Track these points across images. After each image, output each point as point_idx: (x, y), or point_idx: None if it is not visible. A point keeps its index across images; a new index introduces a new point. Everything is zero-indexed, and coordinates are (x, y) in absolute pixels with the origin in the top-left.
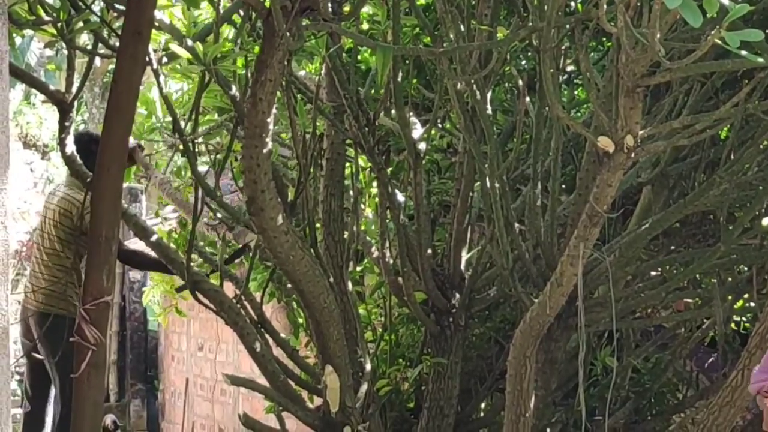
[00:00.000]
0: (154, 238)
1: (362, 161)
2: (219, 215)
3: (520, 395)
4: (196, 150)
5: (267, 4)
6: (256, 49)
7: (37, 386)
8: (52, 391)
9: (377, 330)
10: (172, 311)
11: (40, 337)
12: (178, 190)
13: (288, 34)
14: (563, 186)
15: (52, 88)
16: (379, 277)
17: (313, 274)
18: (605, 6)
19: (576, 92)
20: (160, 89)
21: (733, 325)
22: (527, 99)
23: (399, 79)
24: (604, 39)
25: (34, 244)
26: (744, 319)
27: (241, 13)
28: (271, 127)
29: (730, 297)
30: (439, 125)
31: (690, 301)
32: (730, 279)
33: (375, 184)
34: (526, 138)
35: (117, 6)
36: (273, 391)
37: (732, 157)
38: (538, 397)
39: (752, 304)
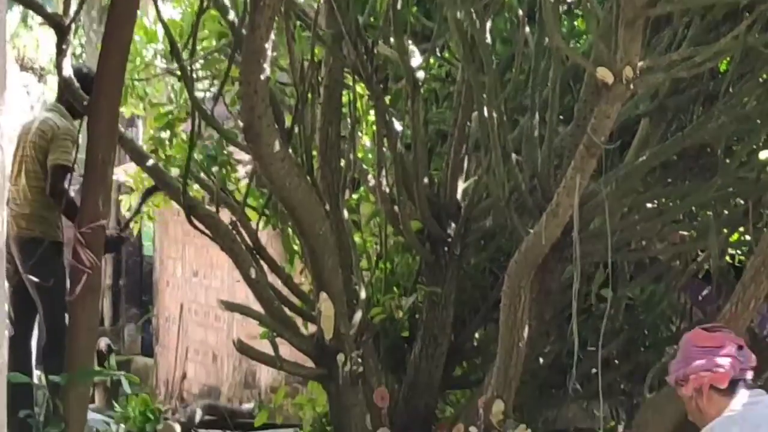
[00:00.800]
0: (149, 162)
1: (360, 89)
2: None
3: (514, 325)
4: (194, 76)
5: None
6: None
7: (20, 311)
8: (36, 316)
9: (372, 258)
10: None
11: (22, 262)
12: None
13: None
14: (561, 117)
15: (49, 10)
16: (375, 206)
17: (309, 201)
18: None
19: (576, 23)
20: (159, 14)
21: (728, 257)
22: (527, 29)
23: (398, 7)
24: None
25: (14, 169)
26: (739, 252)
27: None
28: (269, 53)
29: (725, 230)
30: (438, 54)
31: (685, 233)
32: (726, 212)
33: (372, 112)
34: (524, 68)
35: None
36: (267, 317)
37: (731, 90)
38: (531, 327)
39: (747, 237)
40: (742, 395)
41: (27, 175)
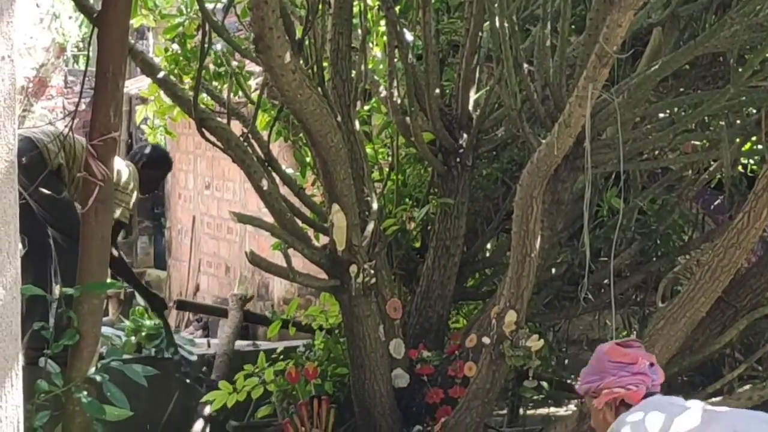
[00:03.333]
0: (160, 75)
1: (370, 0)
2: None
3: (526, 236)
4: None
5: None
6: None
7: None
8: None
9: (384, 169)
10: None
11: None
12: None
13: None
14: (573, 26)
15: None
16: (387, 117)
17: (320, 113)
18: None
19: None
20: None
21: (740, 167)
22: None
23: None
24: None
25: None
26: (751, 161)
27: None
28: None
29: (738, 139)
30: None
31: (698, 143)
32: (738, 121)
33: (383, 22)
34: None
35: None
36: (279, 229)
37: None
38: (543, 237)
39: (760, 147)
40: (649, 401)
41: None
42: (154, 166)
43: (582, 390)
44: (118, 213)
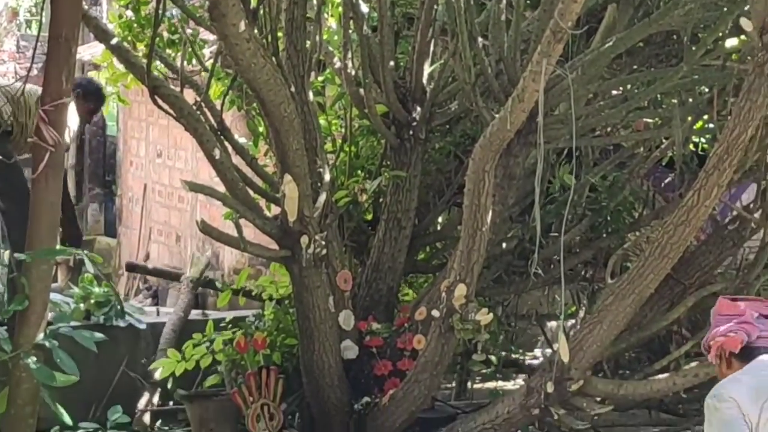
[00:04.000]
0: (113, 41)
1: None
2: None
3: (478, 210)
4: None
5: None
6: None
7: None
8: None
9: (337, 141)
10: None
11: None
12: None
13: None
14: (528, 1)
15: None
16: (341, 88)
17: (274, 82)
18: None
19: None
20: None
21: (691, 145)
22: None
23: None
24: None
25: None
26: (703, 140)
27: None
28: None
29: (690, 117)
30: None
31: (650, 120)
32: (690, 99)
33: None
34: None
35: None
36: (231, 198)
37: None
38: (495, 212)
39: (711, 125)
40: (759, 360)
41: None
42: (88, 99)
43: (704, 350)
44: None
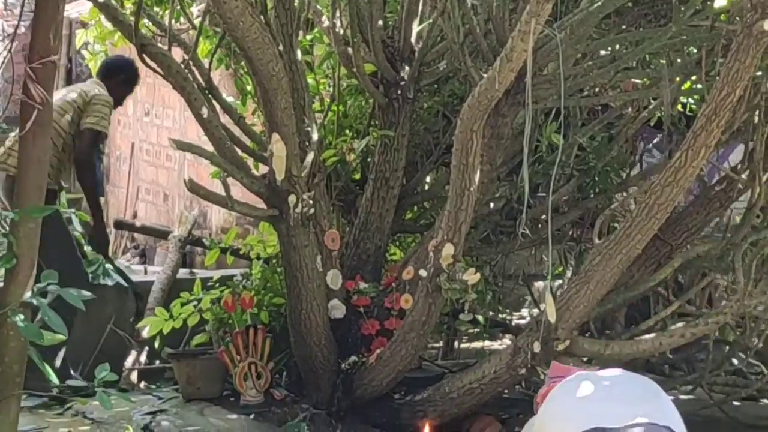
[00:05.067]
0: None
1: None
2: None
3: (466, 169)
4: None
5: None
6: None
7: None
8: None
9: (325, 100)
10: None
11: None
12: None
13: None
14: None
15: None
16: (329, 47)
17: (262, 41)
18: None
19: None
20: None
21: (679, 106)
22: None
23: None
24: None
25: None
26: (691, 100)
27: None
28: None
29: (678, 78)
30: None
31: (638, 81)
32: (679, 60)
33: None
34: None
35: None
36: (219, 157)
37: None
38: (482, 171)
39: (700, 86)
40: None
41: None
42: (130, 84)
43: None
44: (92, 121)
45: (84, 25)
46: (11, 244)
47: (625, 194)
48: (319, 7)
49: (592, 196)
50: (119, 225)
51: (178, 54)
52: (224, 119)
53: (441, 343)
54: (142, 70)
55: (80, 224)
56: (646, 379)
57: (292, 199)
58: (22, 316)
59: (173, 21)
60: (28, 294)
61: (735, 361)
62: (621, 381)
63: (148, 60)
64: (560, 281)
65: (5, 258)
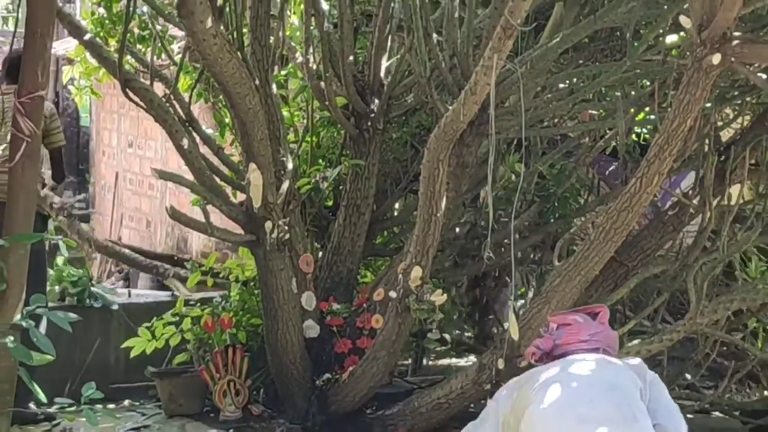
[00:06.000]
0: (86, 37)
1: None
2: None
3: (432, 196)
4: None
5: None
6: None
7: None
8: None
9: (299, 131)
10: (90, 94)
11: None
12: None
13: None
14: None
15: None
16: (303, 82)
17: (240, 76)
18: None
19: None
20: None
21: (634, 135)
22: None
23: None
24: None
25: None
26: (644, 130)
27: None
28: None
29: (632, 109)
30: None
31: (595, 112)
32: (633, 92)
33: None
34: None
35: None
36: (199, 186)
37: None
38: (449, 198)
39: (653, 117)
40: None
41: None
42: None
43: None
44: (58, 139)
45: (70, 61)
46: (1, 270)
47: (583, 219)
48: (293, 43)
49: (552, 220)
50: (102, 249)
51: (159, 89)
52: (204, 150)
53: (410, 361)
54: (125, 104)
55: (66, 250)
56: (630, 394)
57: (268, 225)
58: (12, 338)
59: (155, 57)
60: (17, 317)
61: (688, 376)
62: (600, 396)
63: (131, 94)
64: (523, 301)
65: None
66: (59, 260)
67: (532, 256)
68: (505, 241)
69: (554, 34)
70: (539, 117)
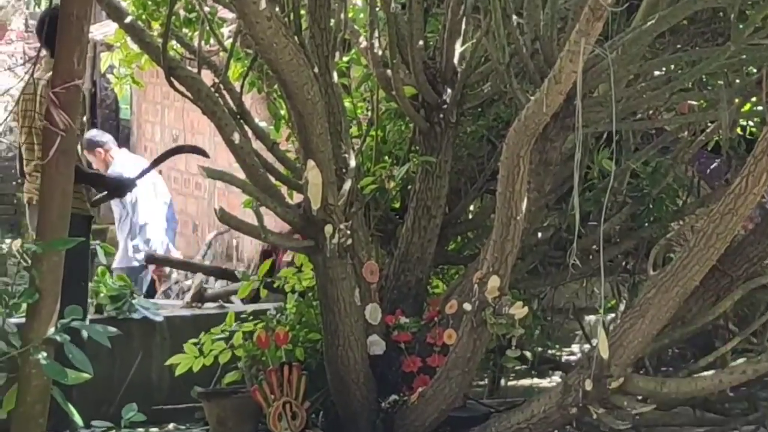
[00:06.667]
0: (127, 20)
1: None
2: None
3: (512, 197)
4: None
5: None
6: None
7: None
8: None
9: (363, 125)
10: (132, 85)
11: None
12: None
13: None
14: None
15: None
16: (367, 69)
17: (296, 63)
18: None
19: None
20: None
21: (738, 129)
22: None
23: None
24: None
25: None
26: (751, 123)
27: None
28: None
29: (737, 99)
30: None
31: (694, 103)
32: (738, 80)
33: None
34: None
35: None
36: (251, 185)
37: None
38: (530, 199)
39: (760, 108)
40: None
41: (25, 146)
42: None
43: None
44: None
45: (109, 47)
46: (33, 279)
47: (681, 223)
48: (356, 27)
49: (646, 224)
50: (152, 260)
51: (208, 77)
52: (256, 145)
53: (487, 381)
54: (170, 94)
55: (105, 257)
56: None
57: (328, 229)
58: (45, 354)
59: (203, 43)
60: (51, 330)
61: None
62: None
63: (176, 84)
64: (613, 315)
65: (27, 293)
66: (100, 270)
67: (623, 264)
68: (593, 247)
69: (649, 15)
70: (632, 108)
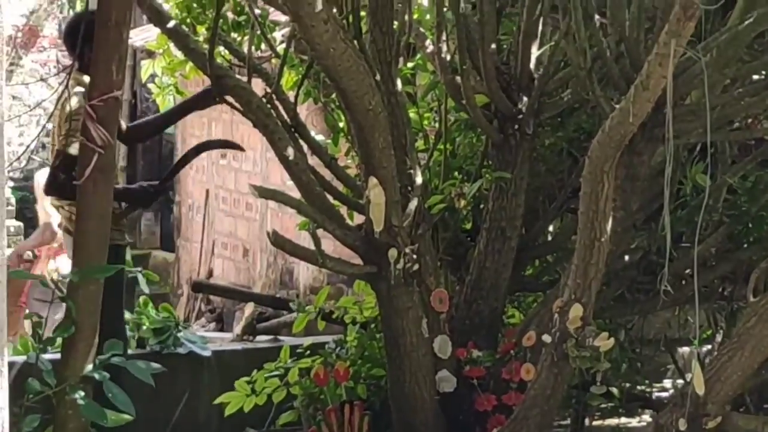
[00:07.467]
0: (170, 24)
1: None
2: None
3: (596, 217)
4: None
5: None
6: None
7: None
8: None
9: (430, 138)
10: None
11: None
12: None
13: None
14: None
15: None
16: (434, 76)
17: (356, 70)
18: None
19: None
20: None
21: None
22: None
23: None
24: None
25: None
26: None
27: None
28: None
29: None
30: None
31: None
32: None
33: None
34: None
35: None
36: (307, 205)
37: None
38: (615, 219)
39: None
40: None
41: None
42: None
43: None
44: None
45: (150, 54)
46: (70, 310)
47: None
48: (422, 29)
49: (745, 246)
50: (199, 288)
51: (259, 86)
52: (313, 161)
53: (569, 421)
54: (218, 106)
55: (148, 285)
56: None
57: (392, 253)
58: (82, 393)
59: (253, 49)
60: (89, 367)
61: None
62: None
63: (224, 94)
64: (709, 347)
65: (62, 326)
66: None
67: (720, 290)
68: (687, 271)
69: (747, 13)
70: (728, 117)
